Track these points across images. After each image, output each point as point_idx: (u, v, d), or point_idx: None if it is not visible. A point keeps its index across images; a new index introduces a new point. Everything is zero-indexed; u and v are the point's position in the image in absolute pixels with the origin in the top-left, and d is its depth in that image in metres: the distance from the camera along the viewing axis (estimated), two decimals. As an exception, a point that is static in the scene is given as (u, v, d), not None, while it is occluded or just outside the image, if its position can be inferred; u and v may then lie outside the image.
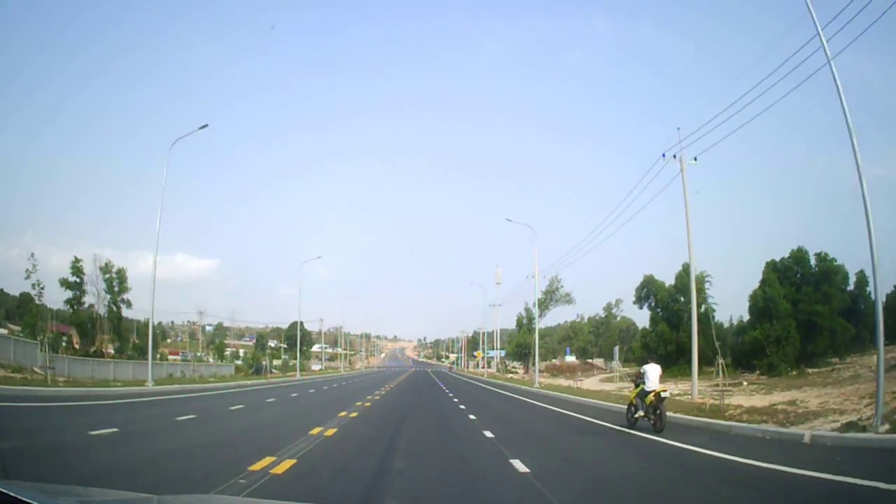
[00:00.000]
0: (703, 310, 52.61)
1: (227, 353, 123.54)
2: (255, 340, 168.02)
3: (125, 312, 61.89)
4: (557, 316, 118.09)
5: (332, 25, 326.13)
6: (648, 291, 53.28)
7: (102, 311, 58.71)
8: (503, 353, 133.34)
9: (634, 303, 54.65)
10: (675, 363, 50.09)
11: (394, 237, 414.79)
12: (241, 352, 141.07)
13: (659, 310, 52.13)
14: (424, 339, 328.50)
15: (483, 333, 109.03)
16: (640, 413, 14.64)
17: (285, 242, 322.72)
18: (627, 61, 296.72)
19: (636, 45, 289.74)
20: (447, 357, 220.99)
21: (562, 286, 70.57)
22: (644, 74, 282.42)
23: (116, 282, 58.35)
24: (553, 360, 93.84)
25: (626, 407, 15.82)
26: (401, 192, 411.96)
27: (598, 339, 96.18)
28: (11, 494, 2.14)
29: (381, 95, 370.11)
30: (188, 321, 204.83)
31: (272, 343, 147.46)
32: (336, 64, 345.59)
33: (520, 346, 70.81)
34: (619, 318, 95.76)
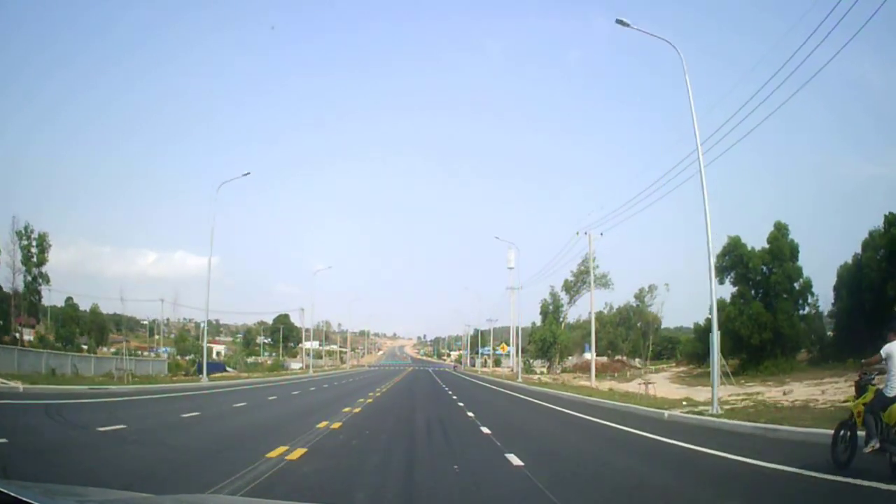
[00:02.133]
0: (797, 286, 40.21)
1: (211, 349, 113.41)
2: (244, 336, 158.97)
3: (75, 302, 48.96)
4: (587, 304, 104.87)
5: (332, 25, 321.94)
6: (734, 259, 40.18)
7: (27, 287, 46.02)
8: (508, 350, 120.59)
9: (716, 276, 41.53)
10: (769, 355, 37.56)
11: (393, 236, 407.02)
12: (223, 348, 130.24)
13: (749, 283, 39.27)
14: (424, 336, 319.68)
15: (491, 331, 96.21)
16: (874, 444, 7.01)
17: (284, 241, 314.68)
18: (627, 61, 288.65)
19: (636, 45, 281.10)
20: (448, 355, 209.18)
21: (597, 266, 57.45)
22: (644, 74, 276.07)
23: (36, 252, 45.52)
24: (568, 358, 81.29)
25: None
26: (400, 190, 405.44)
27: (629, 332, 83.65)
28: (11, 494, 2.10)
29: (381, 95, 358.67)
30: (183, 318, 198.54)
31: (265, 339, 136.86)
32: (336, 64, 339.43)
33: (544, 340, 57.36)
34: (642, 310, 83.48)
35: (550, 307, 57.80)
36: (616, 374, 45.99)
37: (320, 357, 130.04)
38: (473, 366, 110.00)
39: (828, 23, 14.20)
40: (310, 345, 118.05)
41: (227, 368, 48.58)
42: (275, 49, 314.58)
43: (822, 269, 68.31)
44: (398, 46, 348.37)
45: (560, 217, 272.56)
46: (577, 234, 32.25)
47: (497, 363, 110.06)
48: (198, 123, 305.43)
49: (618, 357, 73.01)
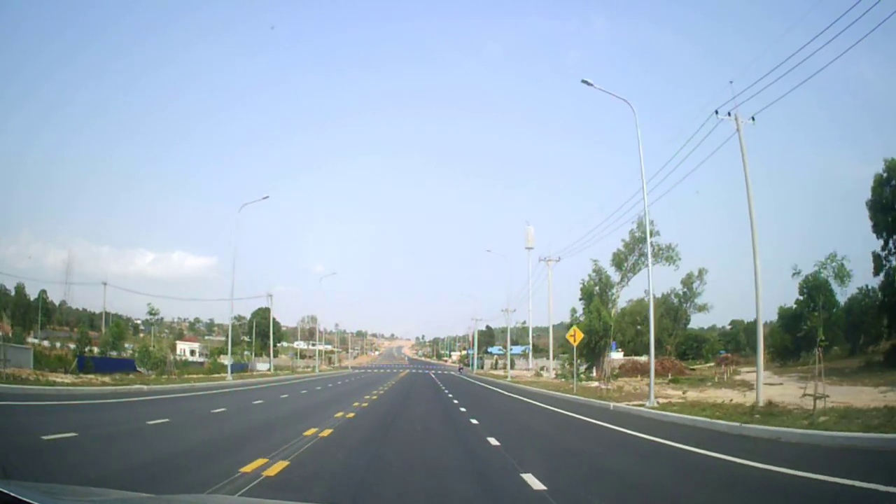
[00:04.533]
0: None
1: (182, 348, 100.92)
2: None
3: None
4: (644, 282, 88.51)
5: (332, 25, 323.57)
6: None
7: None
8: (523, 348, 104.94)
9: (871, 217, 28.03)
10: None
11: (393, 236, 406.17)
12: (197, 346, 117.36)
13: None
14: (423, 337, 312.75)
15: (508, 327, 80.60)
16: None
17: (283, 241, 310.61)
18: (626, 60, 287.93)
19: (635, 44, 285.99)
20: (448, 356, 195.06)
21: (657, 232, 42.36)
22: (643, 73, 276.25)
23: None
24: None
25: None
26: (400, 190, 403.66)
27: (675, 326, 69.29)
28: (12, 494, 2.06)
29: (380, 95, 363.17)
30: (178, 317, 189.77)
31: (244, 337, 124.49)
32: (336, 64, 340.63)
33: (591, 332, 40.47)
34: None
35: (596, 288, 42.46)
36: (713, 381, 31.17)
37: (303, 357, 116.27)
38: (481, 367, 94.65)
39: None
40: (309, 344, 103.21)
41: (140, 368, 34.31)
42: (275, 49, 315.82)
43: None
44: (398, 46, 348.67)
45: (560, 215, 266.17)
46: (717, 113, 17.61)
47: (511, 364, 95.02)
48: (197, 123, 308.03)
49: (667, 357, 58.41)
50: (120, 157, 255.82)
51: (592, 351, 40.39)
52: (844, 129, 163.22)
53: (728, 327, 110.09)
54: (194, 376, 35.46)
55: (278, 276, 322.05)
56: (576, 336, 25.96)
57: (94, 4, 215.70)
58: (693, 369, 54.37)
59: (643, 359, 56.56)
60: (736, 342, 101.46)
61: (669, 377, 36.69)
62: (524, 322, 69.42)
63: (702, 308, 68.56)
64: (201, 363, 47.69)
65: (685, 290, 67.54)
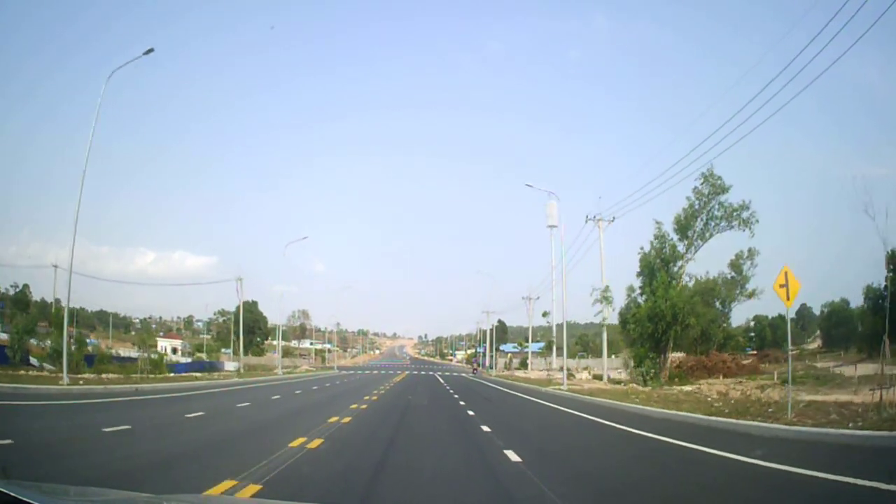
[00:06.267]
0: None
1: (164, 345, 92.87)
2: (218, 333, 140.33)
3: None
4: (715, 254, 75.13)
5: (332, 25, 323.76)
6: None
7: None
8: (540, 345, 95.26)
9: None
10: None
11: (395, 236, 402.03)
12: (180, 344, 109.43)
13: None
14: (425, 336, 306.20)
15: (530, 319, 70.45)
16: None
17: (284, 240, 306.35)
18: (627, 60, 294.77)
19: (635, 44, 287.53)
20: (452, 355, 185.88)
21: (728, 185, 31.25)
22: (643, 73, 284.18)
23: None
24: (613, 356, 56.71)
25: None
26: (401, 189, 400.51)
27: (722, 316, 59.21)
28: (12, 494, 2.04)
29: (381, 94, 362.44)
30: (177, 316, 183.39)
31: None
32: (336, 63, 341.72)
33: (654, 317, 29.67)
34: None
35: (657, 261, 31.77)
36: (854, 383, 21.23)
37: (291, 355, 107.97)
38: (496, 367, 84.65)
39: None
40: (305, 343, 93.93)
41: (45, 364, 25.43)
42: (275, 49, 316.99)
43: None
44: (399, 46, 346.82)
45: (563, 214, 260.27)
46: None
47: (523, 364, 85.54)
48: (197, 123, 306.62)
49: (728, 352, 48.59)
50: (118, 156, 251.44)
51: (657, 344, 30.41)
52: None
53: (751, 323, 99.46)
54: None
55: (278, 275, 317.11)
56: (789, 289, 11.93)
57: (95, 4, 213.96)
58: (737, 363, 45.14)
59: (678, 354, 46.04)
60: (761, 339, 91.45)
61: (775, 377, 26.64)
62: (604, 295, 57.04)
63: (751, 294, 57.79)
64: (135, 360, 38.38)
65: (733, 273, 57.59)
